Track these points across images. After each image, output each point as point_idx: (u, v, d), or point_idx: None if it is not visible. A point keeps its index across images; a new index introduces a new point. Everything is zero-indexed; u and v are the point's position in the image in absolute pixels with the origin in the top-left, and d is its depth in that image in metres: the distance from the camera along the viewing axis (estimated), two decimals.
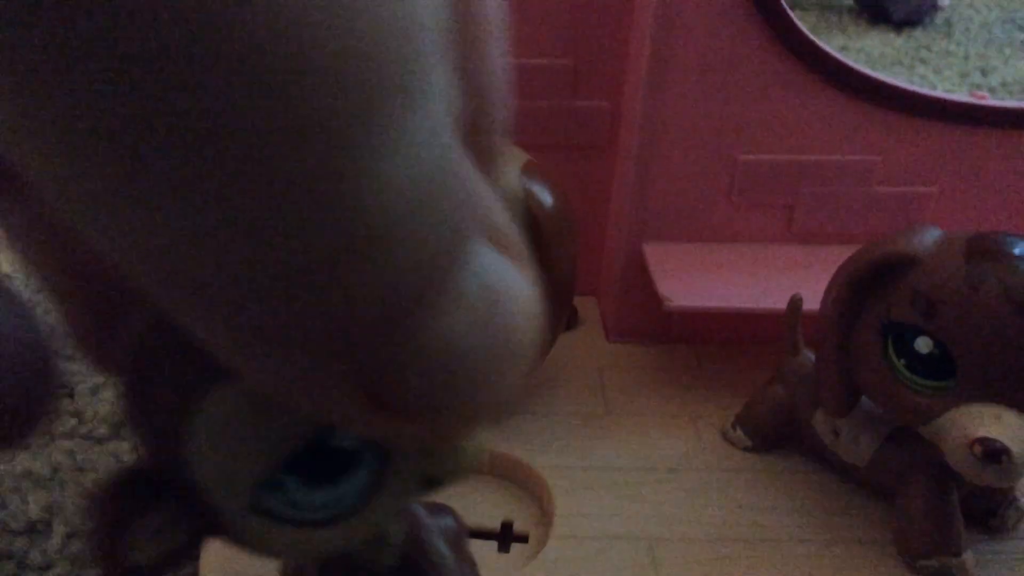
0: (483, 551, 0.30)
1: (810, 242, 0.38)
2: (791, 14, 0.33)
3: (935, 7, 0.89)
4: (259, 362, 0.10)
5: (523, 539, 0.31)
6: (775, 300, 0.34)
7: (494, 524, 0.31)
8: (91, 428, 0.37)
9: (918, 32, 0.88)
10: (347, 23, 0.08)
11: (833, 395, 0.30)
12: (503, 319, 0.11)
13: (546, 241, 0.30)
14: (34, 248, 0.15)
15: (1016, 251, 0.26)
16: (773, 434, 0.34)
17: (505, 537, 0.31)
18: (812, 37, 0.34)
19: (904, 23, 0.89)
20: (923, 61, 0.81)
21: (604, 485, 0.32)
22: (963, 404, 0.26)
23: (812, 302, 0.31)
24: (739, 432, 0.34)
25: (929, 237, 0.28)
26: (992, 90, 0.74)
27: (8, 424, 0.16)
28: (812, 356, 0.32)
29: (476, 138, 0.11)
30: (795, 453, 0.34)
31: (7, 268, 0.44)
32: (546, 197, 0.30)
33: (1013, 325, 0.25)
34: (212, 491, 0.16)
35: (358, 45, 0.08)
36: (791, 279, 0.35)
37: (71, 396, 0.39)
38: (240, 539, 0.17)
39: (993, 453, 0.25)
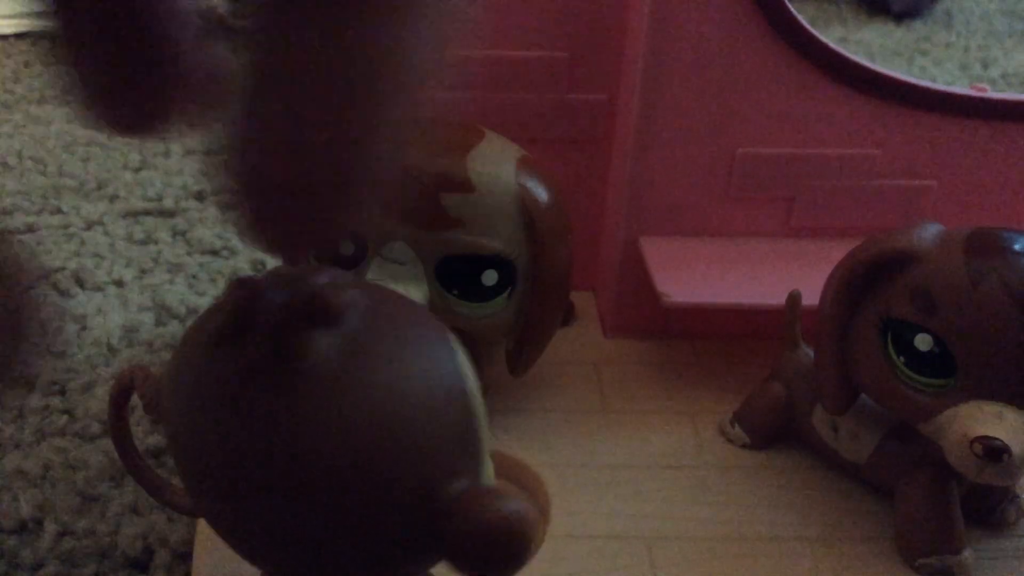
0: None
1: (809, 236, 0.38)
2: (789, 5, 0.33)
3: None
4: None
5: None
6: (773, 295, 0.33)
7: None
8: (83, 426, 0.37)
9: (918, 23, 0.87)
10: None
11: (832, 392, 0.30)
12: None
13: (542, 236, 0.30)
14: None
15: (1016, 247, 0.26)
16: (771, 431, 0.33)
17: None
18: (810, 29, 0.33)
19: (903, 14, 0.88)
20: (923, 53, 0.80)
21: (601, 483, 0.32)
22: (963, 402, 0.26)
23: (811, 297, 0.31)
24: (737, 429, 0.34)
25: (929, 233, 0.27)
26: (993, 82, 0.74)
27: None
28: (811, 352, 0.32)
29: None
30: (794, 450, 0.34)
31: None
32: (541, 192, 0.30)
33: (1013, 322, 0.25)
34: (484, 446, 0.19)
35: None
36: (790, 274, 0.35)
37: (63, 393, 0.39)
38: None
39: (994, 452, 0.25)
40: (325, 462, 0.17)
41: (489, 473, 0.20)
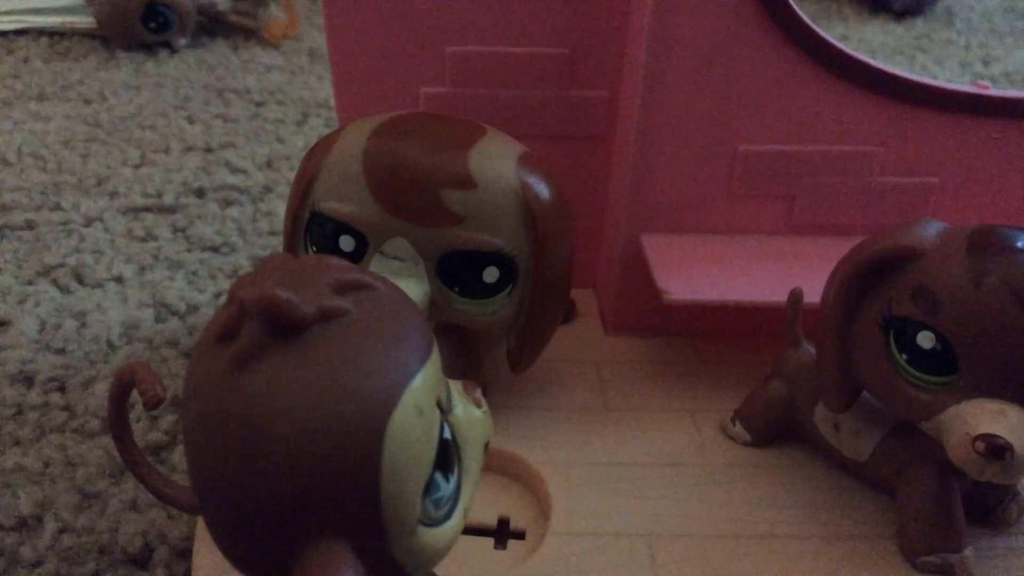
0: (480, 548, 0.30)
1: (810, 234, 0.38)
2: (791, 2, 0.33)
3: None
4: None
5: (520, 536, 0.31)
6: (775, 293, 0.33)
7: (491, 520, 0.31)
8: (82, 422, 0.37)
9: (919, 21, 0.87)
10: None
11: (834, 390, 0.30)
12: None
13: (543, 233, 0.30)
14: None
15: (1019, 244, 0.25)
16: (773, 429, 0.33)
17: (502, 534, 0.31)
18: (812, 26, 0.33)
19: (905, 12, 0.88)
20: (924, 51, 0.80)
21: (602, 481, 0.32)
22: (965, 400, 0.26)
23: (812, 295, 0.31)
24: (738, 426, 0.34)
25: (931, 230, 0.27)
26: (994, 80, 0.74)
27: None
28: (812, 350, 0.32)
29: None
30: (795, 448, 0.34)
31: None
32: (543, 189, 0.30)
33: (1016, 319, 0.25)
34: (395, 507, 0.18)
35: None
36: (791, 271, 0.35)
37: (62, 390, 0.39)
38: (407, 558, 0.19)
39: (996, 450, 0.25)
40: (219, 469, 0.17)
41: (422, 536, 0.19)
